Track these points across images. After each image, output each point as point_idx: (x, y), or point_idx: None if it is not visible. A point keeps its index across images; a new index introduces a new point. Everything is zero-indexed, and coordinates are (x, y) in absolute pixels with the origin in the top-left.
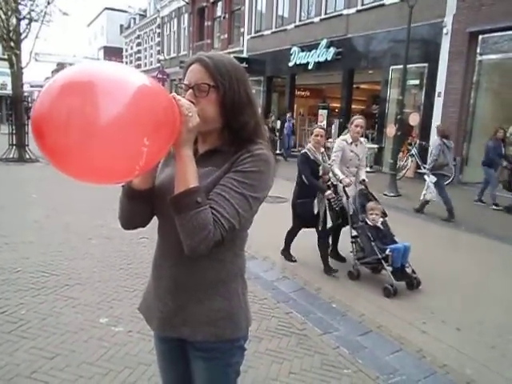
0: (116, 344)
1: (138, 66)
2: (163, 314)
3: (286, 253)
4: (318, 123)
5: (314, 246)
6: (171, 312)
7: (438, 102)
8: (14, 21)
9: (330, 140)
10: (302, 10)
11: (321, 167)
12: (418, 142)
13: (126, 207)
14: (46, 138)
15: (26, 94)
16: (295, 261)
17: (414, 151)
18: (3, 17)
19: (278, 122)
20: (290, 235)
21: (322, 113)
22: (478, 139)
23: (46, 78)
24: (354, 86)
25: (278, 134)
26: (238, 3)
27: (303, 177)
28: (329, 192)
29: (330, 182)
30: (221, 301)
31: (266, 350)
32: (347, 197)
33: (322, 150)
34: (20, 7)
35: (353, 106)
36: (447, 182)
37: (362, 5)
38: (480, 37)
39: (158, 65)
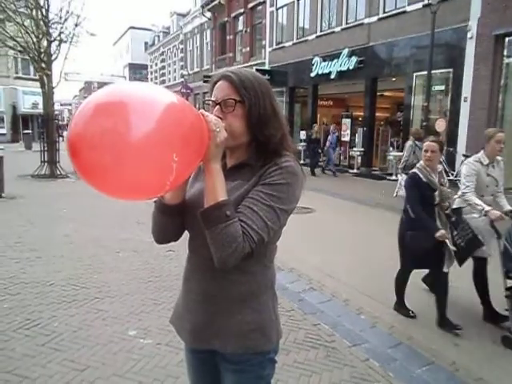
0: (145, 356)
1: (163, 82)
2: (194, 326)
3: (400, 307)
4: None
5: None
6: (201, 324)
7: (465, 107)
8: (44, 43)
9: (354, 149)
10: (323, 21)
11: (437, 193)
12: (445, 148)
13: (159, 222)
14: (80, 157)
15: (56, 112)
16: (413, 316)
17: (441, 158)
18: (35, 40)
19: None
20: (399, 282)
21: (346, 122)
22: (508, 143)
23: (75, 95)
24: (378, 93)
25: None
26: (259, 17)
27: (408, 207)
28: (441, 233)
29: (448, 210)
30: (252, 313)
31: (294, 362)
32: (498, 235)
33: (440, 168)
34: (50, 30)
35: (377, 114)
36: None
37: (384, 12)
38: (506, 39)
39: (182, 80)
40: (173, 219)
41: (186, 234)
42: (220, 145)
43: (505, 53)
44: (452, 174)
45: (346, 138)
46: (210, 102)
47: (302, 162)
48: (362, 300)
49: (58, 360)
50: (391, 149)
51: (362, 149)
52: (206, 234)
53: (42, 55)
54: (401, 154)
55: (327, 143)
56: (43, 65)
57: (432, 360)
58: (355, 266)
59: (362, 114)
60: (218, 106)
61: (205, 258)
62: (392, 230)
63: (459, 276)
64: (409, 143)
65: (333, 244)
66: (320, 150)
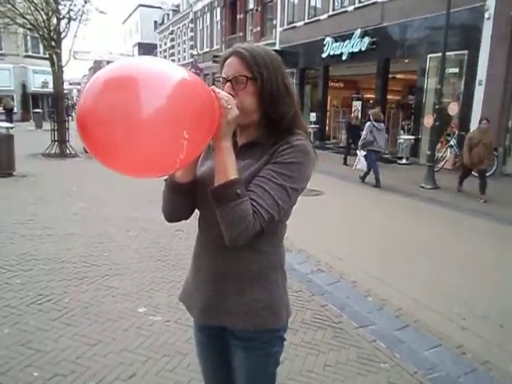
0: (154, 333)
1: (172, 62)
2: (204, 303)
3: None
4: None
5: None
6: (212, 302)
7: (479, 91)
8: (54, 21)
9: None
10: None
11: None
12: (457, 132)
13: (169, 200)
14: (90, 134)
15: (65, 91)
16: None
17: (453, 142)
18: (44, 17)
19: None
20: None
21: (356, 104)
22: None
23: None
24: (390, 76)
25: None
26: None
27: None
28: None
29: None
30: (262, 292)
31: (302, 341)
32: None
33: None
34: (60, 7)
35: (388, 97)
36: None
37: None
38: None
39: (192, 59)
40: (183, 197)
41: (196, 213)
42: (231, 122)
43: None
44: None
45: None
46: (221, 79)
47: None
48: (370, 282)
49: (69, 335)
50: (402, 132)
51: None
52: (217, 213)
53: (52, 33)
54: (411, 137)
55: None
56: (53, 43)
57: (439, 343)
58: (364, 249)
59: (373, 96)
60: (228, 83)
61: (215, 236)
62: (402, 213)
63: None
64: (367, 124)
65: (341, 226)
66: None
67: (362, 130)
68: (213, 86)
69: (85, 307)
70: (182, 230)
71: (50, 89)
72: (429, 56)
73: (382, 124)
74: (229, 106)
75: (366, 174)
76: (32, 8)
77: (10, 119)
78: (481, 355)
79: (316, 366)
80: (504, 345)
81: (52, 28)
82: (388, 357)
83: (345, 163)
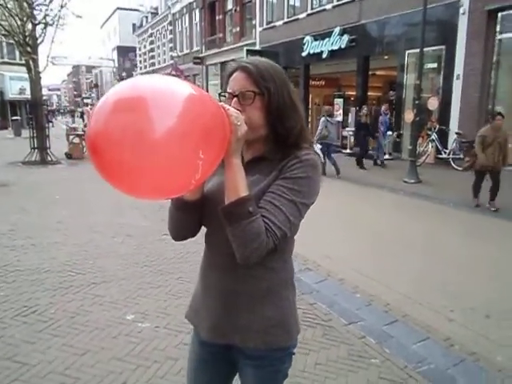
0: (143, 340)
1: (152, 64)
2: (213, 321)
3: None
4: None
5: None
6: (222, 320)
7: (457, 85)
8: (29, 26)
9: (347, 129)
10: None
11: None
12: (437, 126)
13: (176, 219)
14: (101, 155)
15: (44, 97)
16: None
17: (433, 136)
18: (19, 23)
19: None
20: None
21: (338, 102)
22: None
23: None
24: (370, 72)
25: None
26: None
27: None
28: None
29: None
30: (273, 309)
31: None
32: None
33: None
34: (35, 12)
35: (369, 93)
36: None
37: None
38: (499, 14)
39: (172, 62)
40: (190, 216)
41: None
42: (241, 139)
43: (497, 28)
44: (445, 152)
45: (339, 118)
46: (227, 94)
47: (348, 151)
48: (358, 279)
49: (57, 346)
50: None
51: (355, 128)
52: (228, 231)
53: (28, 39)
54: (394, 133)
55: (379, 126)
56: (29, 49)
57: (427, 336)
58: (350, 246)
59: (354, 93)
60: (235, 99)
61: (224, 254)
62: (386, 208)
63: None
64: (322, 119)
65: (326, 224)
66: (372, 137)
67: (370, 128)
68: (221, 103)
69: (71, 317)
70: (168, 234)
71: (28, 95)
72: (407, 52)
73: (335, 119)
74: (238, 123)
75: (324, 164)
76: (6, 14)
77: None
78: (468, 346)
79: (307, 365)
80: (490, 335)
81: (27, 34)
82: (378, 352)
83: (361, 167)
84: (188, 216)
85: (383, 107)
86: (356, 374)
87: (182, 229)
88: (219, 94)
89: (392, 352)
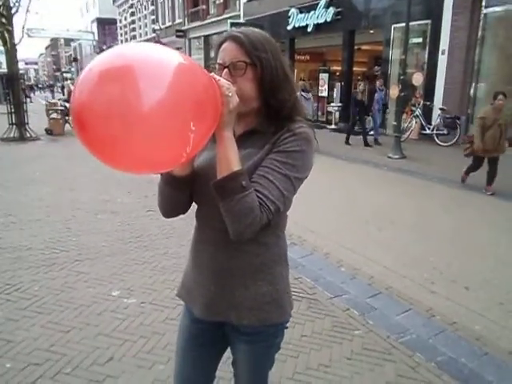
0: (129, 315)
1: (133, 37)
2: (207, 299)
3: None
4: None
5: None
6: (215, 297)
7: (442, 61)
8: None
9: (332, 104)
10: None
11: None
12: (422, 102)
13: (167, 195)
14: (88, 129)
15: (21, 71)
16: None
17: (418, 112)
18: None
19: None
20: None
21: (323, 77)
22: (483, 97)
23: (41, 54)
24: (355, 47)
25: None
26: None
27: None
28: None
29: None
30: (266, 285)
31: None
32: None
33: None
34: None
35: (354, 69)
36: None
37: None
38: None
39: (154, 35)
40: (181, 191)
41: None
42: (233, 111)
43: (483, 2)
44: (428, 128)
45: (324, 94)
46: (217, 65)
47: (333, 126)
48: (342, 253)
49: (41, 323)
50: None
51: (340, 104)
52: (221, 206)
53: (1, 8)
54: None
55: (374, 104)
56: (3, 20)
57: (409, 307)
58: (335, 220)
59: (339, 68)
60: (226, 70)
61: (216, 229)
62: (371, 184)
63: None
64: (297, 94)
65: (312, 199)
66: (366, 115)
67: (367, 105)
68: (212, 73)
69: (56, 294)
70: (152, 210)
71: (4, 69)
72: (393, 26)
73: (310, 93)
74: (230, 94)
75: None
76: None
77: None
78: (449, 317)
79: (293, 338)
80: (470, 306)
81: (1, 3)
82: (361, 324)
83: (347, 142)
84: (178, 192)
85: (378, 83)
86: (340, 345)
87: (172, 205)
88: (208, 66)
89: (375, 323)
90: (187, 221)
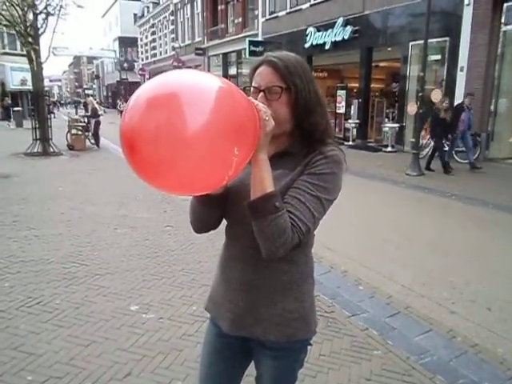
0: (148, 331)
1: (154, 55)
2: (234, 315)
3: None
4: (337, 104)
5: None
6: (243, 313)
7: (461, 77)
8: (30, 16)
9: (349, 121)
10: None
11: None
12: None
13: (199, 212)
14: (136, 152)
15: (46, 88)
16: None
17: None
18: (20, 12)
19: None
20: None
21: (341, 94)
22: (504, 113)
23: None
24: (373, 64)
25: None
26: None
27: None
28: None
29: None
30: (294, 302)
31: None
32: None
33: None
34: (36, 2)
35: (372, 85)
36: None
37: None
38: (504, 5)
39: (173, 53)
40: (213, 209)
41: (179, 210)
42: (269, 134)
43: (502, 20)
44: (447, 145)
45: (341, 110)
46: (252, 89)
47: (350, 143)
48: (361, 271)
49: (62, 336)
50: (386, 120)
51: (358, 121)
52: (254, 226)
53: (29, 29)
54: (396, 125)
55: (460, 124)
56: (30, 39)
57: (429, 328)
58: (353, 238)
59: (356, 85)
60: (261, 93)
61: (246, 246)
62: (389, 201)
63: None
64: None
65: (330, 216)
66: (450, 136)
67: (450, 125)
68: (251, 98)
69: (76, 308)
70: (171, 225)
71: (30, 86)
72: (411, 44)
73: None
74: (267, 118)
75: None
76: (7, 3)
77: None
78: (470, 338)
79: (311, 357)
80: (492, 327)
81: (29, 24)
82: (380, 344)
83: (428, 168)
84: (211, 210)
85: (466, 100)
86: (359, 366)
87: (204, 222)
88: (244, 88)
89: (394, 344)
90: (205, 237)
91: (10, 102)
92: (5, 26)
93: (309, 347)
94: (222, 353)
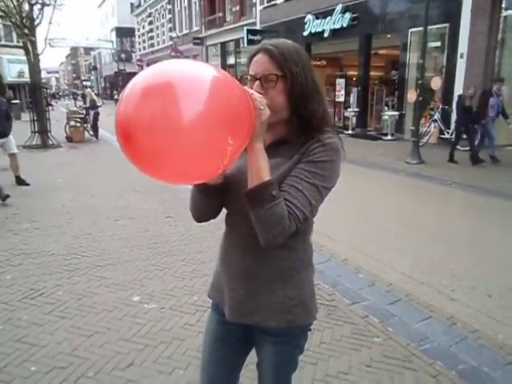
0: (150, 321)
1: (151, 45)
2: (235, 301)
3: None
4: (336, 93)
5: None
6: (243, 300)
7: (461, 64)
8: (26, 7)
9: (349, 110)
10: None
11: None
12: (440, 106)
13: (199, 202)
14: (132, 142)
15: (43, 80)
16: None
17: (436, 116)
18: (15, 3)
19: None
20: None
21: (340, 82)
22: (504, 99)
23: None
24: (372, 52)
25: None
26: None
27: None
28: None
29: None
30: (294, 289)
31: None
32: None
33: None
34: None
35: (371, 73)
36: None
37: None
38: None
39: (171, 43)
40: (213, 199)
41: (180, 200)
42: (264, 123)
43: (503, 5)
44: (447, 133)
45: (341, 99)
46: (249, 77)
47: (350, 132)
48: (361, 259)
49: (65, 327)
50: (386, 108)
51: (357, 109)
52: (251, 214)
53: (25, 20)
54: (396, 113)
55: (489, 111)
56: (26, 30)
57: (430, 315)
58: (353, 227)
59: (356, 73)
60: (257, 82)
61: (245, 234)
62: (389, 189)
63: None
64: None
65: (330, 205)
66: (476, 124)
67: (474, 114)
68: (246, 87)
69: (78, 299)
70: (171, 216)
71: (27, 78)
72: (410, 30)
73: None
74: (262, 107)
75: None
76: None
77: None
78: (470, 324)
79: (311, 344)
80: (491, 313)
81: (24, 15)
82: (381, 331)
83: (451, 159)
84: (210, 199)
85: (495, 87)
86: (359, 353)
87: (204, 211)
88: (241, 77)
89: (395, 331)
90: (205, 227)
91: (12, 95)
92: (0, 17)
93: (310, 334)
94: (223, 340)
